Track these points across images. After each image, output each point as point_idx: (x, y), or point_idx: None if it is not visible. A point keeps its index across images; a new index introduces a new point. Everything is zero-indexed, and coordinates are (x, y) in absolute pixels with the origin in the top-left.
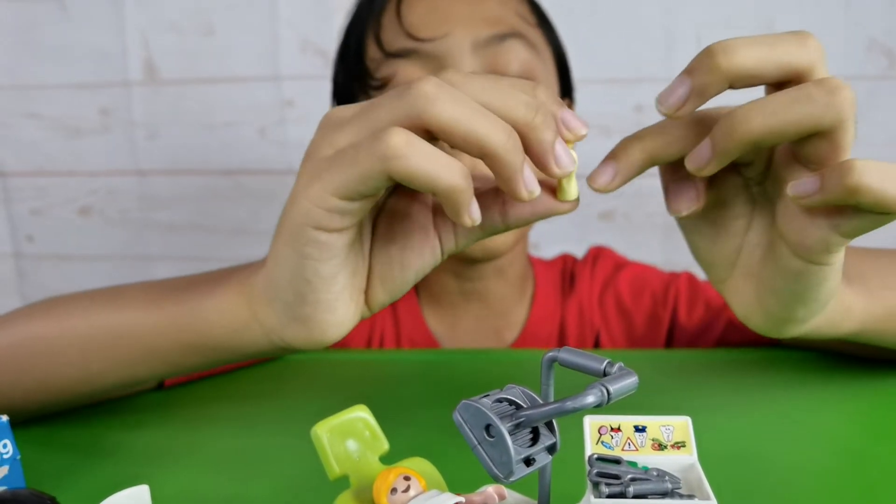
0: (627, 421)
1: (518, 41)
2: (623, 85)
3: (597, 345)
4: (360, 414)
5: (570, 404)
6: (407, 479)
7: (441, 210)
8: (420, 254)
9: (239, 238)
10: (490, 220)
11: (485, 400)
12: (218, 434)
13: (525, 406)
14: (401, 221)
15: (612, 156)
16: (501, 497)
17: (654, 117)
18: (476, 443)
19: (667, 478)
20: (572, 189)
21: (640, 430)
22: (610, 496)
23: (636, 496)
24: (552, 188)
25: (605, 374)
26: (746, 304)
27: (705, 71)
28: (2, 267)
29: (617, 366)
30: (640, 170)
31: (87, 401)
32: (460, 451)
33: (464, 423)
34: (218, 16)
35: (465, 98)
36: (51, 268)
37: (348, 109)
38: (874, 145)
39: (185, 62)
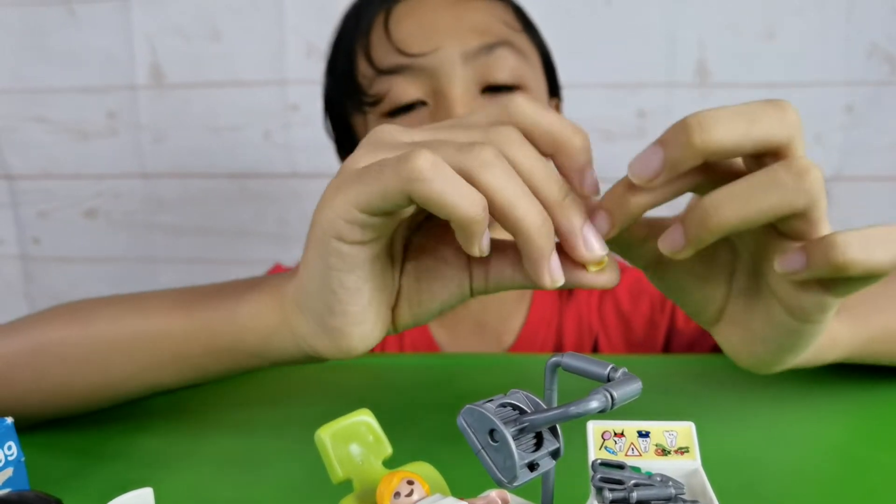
0: (631, 426)
1: (507, 49)
2: (625, 90)
3: (595, 349)
4: (364, 418)
5: (574, 409)
6: (410, 483)
7: None
8: (447, 286)
9: (243, 240)
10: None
11: (489, 405)
12: (222, 437)
13: (529, 411)
14: (434, 249)
15: (608, 209)
16: (505, 502)
17: (655, 122)
18: (480, 447)
19: (670, 483)
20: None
21: (643, 435)
22: (613, 501)
23: (640, 502)
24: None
25: (608, 380)
26: (734, 348)
27: (679, 147)
28: (8, 269)
29: (621, 371)
30: (634, 221)
31: (106, 405)
32: (463, 455)
33: (468, 428)
34: (224, 21)
35: (515, 176)
36: (57, 270)
37: (399, 132)
38: (876, 150)
39: (191, 67)
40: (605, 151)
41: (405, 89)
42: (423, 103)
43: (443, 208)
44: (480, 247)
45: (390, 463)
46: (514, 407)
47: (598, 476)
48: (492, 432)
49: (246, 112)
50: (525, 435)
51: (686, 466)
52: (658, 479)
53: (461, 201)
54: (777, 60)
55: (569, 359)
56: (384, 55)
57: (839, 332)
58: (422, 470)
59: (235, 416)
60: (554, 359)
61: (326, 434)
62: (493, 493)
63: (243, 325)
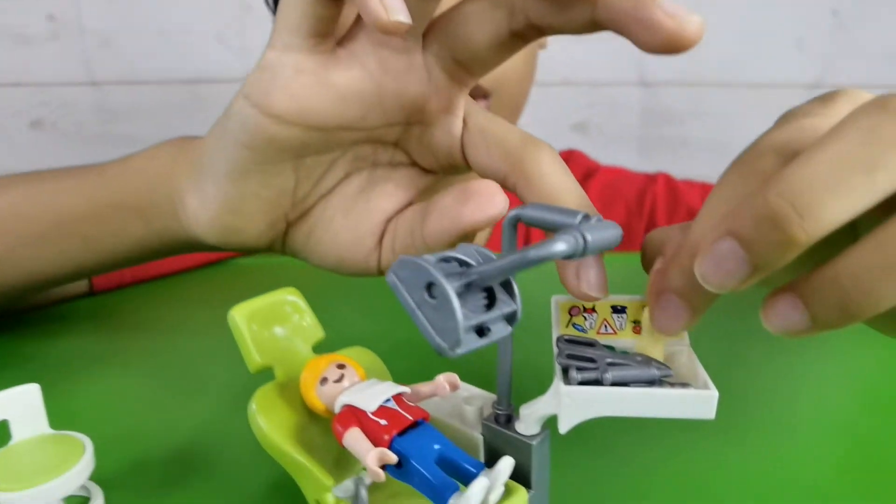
0: (604, 301)
1: None
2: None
3: None
4: (289, 297)
5: (534, 253)
6: (341, 367)
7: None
8: (353, 239)
9: None
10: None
11: (428, 256)
12: (149, 339)
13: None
14: (362, 199)
15: (681, 293)
16: (454, 387)
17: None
18: (414, 306)
19: (654, 364)
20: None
21: (618, 311)
22: (582, 383)
23: (615, 384)
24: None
25: None
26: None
27: (772, 247)
28: None
29: (595, 217)
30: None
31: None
32: (418, 349)
33: (399, 284)
34: None
35: None
36: None
37: None
38: (861, 57)
39: None
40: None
41: None
42: None
43: None
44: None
45: (324, 350)
46: (462, 262)
47: (565, 353)
48: (430, 287)
49: (198, 13)
50: (473, 293)
51: (672, 347)
52: (638, 358)
53: None
54: None
55: (531, 210)
56: None
57: None
58: (359, 355)
59: (165, 318)
60: (514, 212)
61: (241, 314)
62: (441, 378)
63: (135, 170)
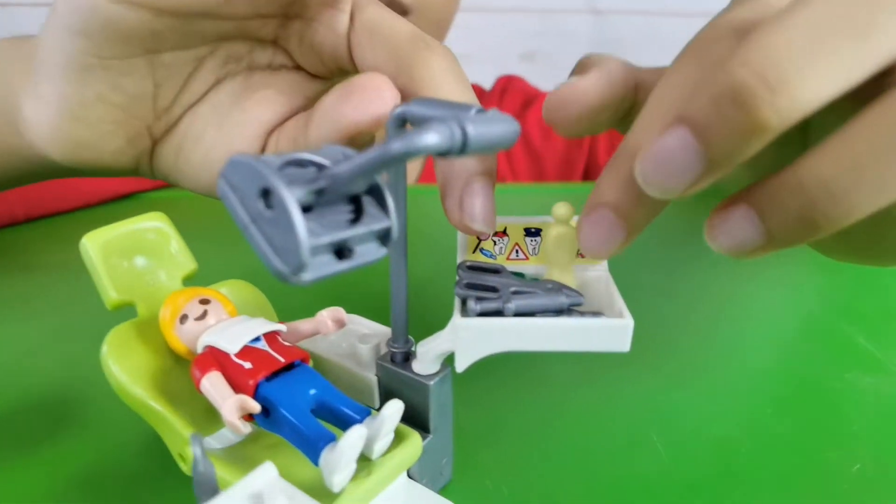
0: (517, 222)
1: None
2: None
3: None
4: (154, 223)
5: (397, 147)
6: (204, 302)
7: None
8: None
9: None
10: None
11: (271, 156)
12: (38, 282)
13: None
14: (239, 115)
15: (617, 207)
16: (339, 324)
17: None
18: (248, 221)
19: (564, 292)
20: None
21: (532, 234)
22: (482, 314)
23: (519, 314)
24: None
25: None
26: (838, 255)
27: (734, 133)
28: None
29: (492, 111)
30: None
31: None
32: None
33: (230, 193)
34: None
35: None
36: None
37: None
38: None
39: None
40: None
41: None
42: None
43: None
44: None
45: (201, 284)
46: (321, 166)
47: (465, 281)
48: (266, 195)
49: None
50: (332, 205)
51: (589, 273)
52: (549, 286)
53: None
54: None
55: (420, 106)
56: None
57: None
58: (235, 289)
59: (63, 257)
60: (399, 109)
61: (94, 242)
62: (325, 313)
63: None
